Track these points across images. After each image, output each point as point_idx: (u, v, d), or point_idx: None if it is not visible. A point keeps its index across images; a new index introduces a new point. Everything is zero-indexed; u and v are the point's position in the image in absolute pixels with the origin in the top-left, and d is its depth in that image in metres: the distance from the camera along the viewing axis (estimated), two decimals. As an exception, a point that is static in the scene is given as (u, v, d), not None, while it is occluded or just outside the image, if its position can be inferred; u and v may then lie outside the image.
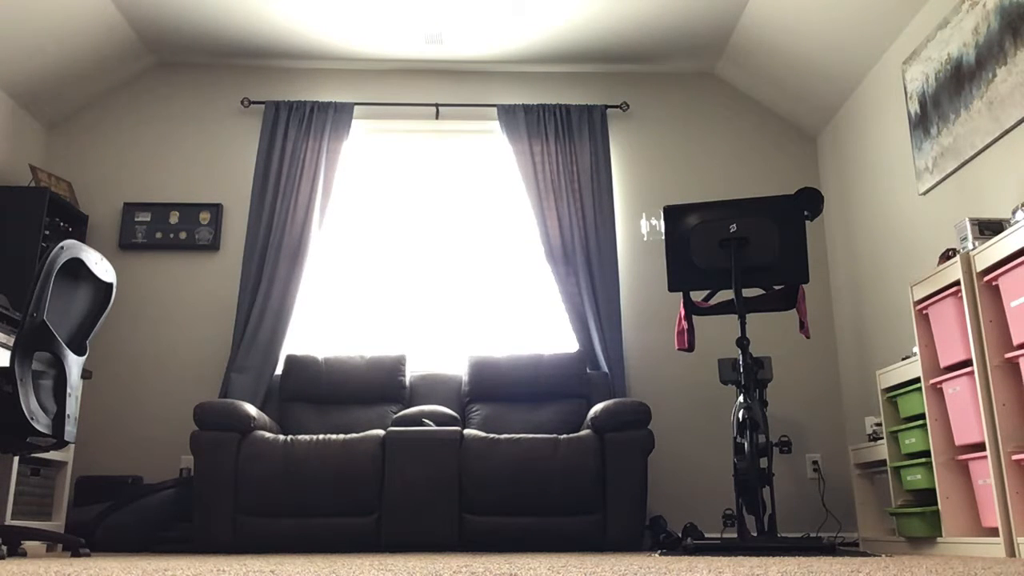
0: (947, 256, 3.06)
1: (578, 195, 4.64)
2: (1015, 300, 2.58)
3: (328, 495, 3.48)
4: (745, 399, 3.00)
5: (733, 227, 3.14)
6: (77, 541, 3.08)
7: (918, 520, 3.08)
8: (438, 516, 3.47)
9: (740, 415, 3.01)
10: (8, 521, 3.33)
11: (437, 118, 4.87)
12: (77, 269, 2.96)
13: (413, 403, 4.25)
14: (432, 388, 4.29)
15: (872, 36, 4.02)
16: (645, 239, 4.71)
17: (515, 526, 3.49)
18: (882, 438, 3.49)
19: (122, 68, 4.76)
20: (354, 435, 3.63)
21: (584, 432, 3.66)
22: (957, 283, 2.87)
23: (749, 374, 3.05)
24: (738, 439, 3.00)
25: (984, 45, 3.24)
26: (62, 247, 2.83)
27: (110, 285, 3.16)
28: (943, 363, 2.99)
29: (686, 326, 3.38)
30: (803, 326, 3.26)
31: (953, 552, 2.89)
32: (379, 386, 4.21)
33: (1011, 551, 2.60)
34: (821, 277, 4.73)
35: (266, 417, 3.88)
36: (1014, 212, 2.74)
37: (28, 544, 3.45)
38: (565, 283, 4.49)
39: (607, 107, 4.84)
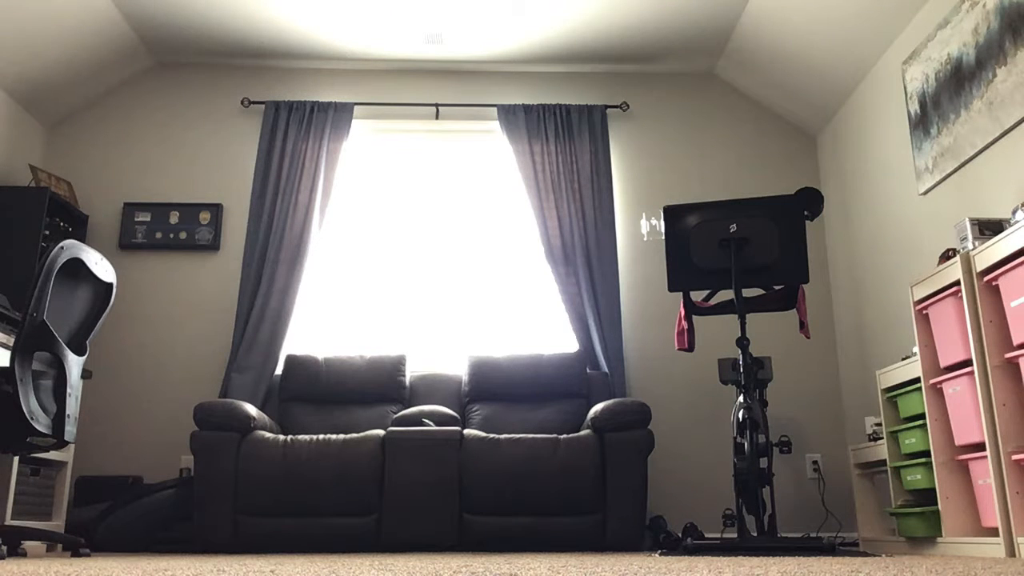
0: (947, 256, 3.06)
1: (578, 195, 4.64)
2: (1015, 300, 2.58)
3: (328, 495, 3.48)
4: (745, 399, 3.00)
5: (733, 227, 3.14)
6: (77, 541, 3.08)
7: (918, 520, 3.08)
8: (438, 516, 3.47)
9: (740, 415, 3.01)
10: (8, 521, 3.33)
11: (437, 118, 4.87)
12: (77, 269, 2.96)
13: (413, 403, 4.25)
14: (432, 388, 4.29)
15: (872, 36, 4.02)
16: (645, 239, 4.71)
17: (515, 526, 3.49)
18: (882, 438, 3.49)
19: (122, 68, 4.76)
20: (354, 435, 3.63)
21: (584, 432, 3.66)
22: (957, 283, 2.87)
23: (749, 374, 3.05)
24: (738, 439, 3.00)
25: (984, 45, 3.24)
26: (62, 247, 2.83)
27: (110, 285, 3.16)
28: (943, 363, 2.99)
29: (686, 326, 3.38)
30: (803, 326, 3.26)
31: (953, 552, 2.89)
32: (379, 386, 4.21)
33: (1011, 551, 2.60)
34: (821, 277, 4.73)
35: (266, 417, 3.88)
36: (1014, 212, 2.74)
37: (28, 544, 3.45)
38: (565, 283, 4.49)
39: (607, 107, 4.84)
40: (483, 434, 3.66)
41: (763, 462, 4.26)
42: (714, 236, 3.16)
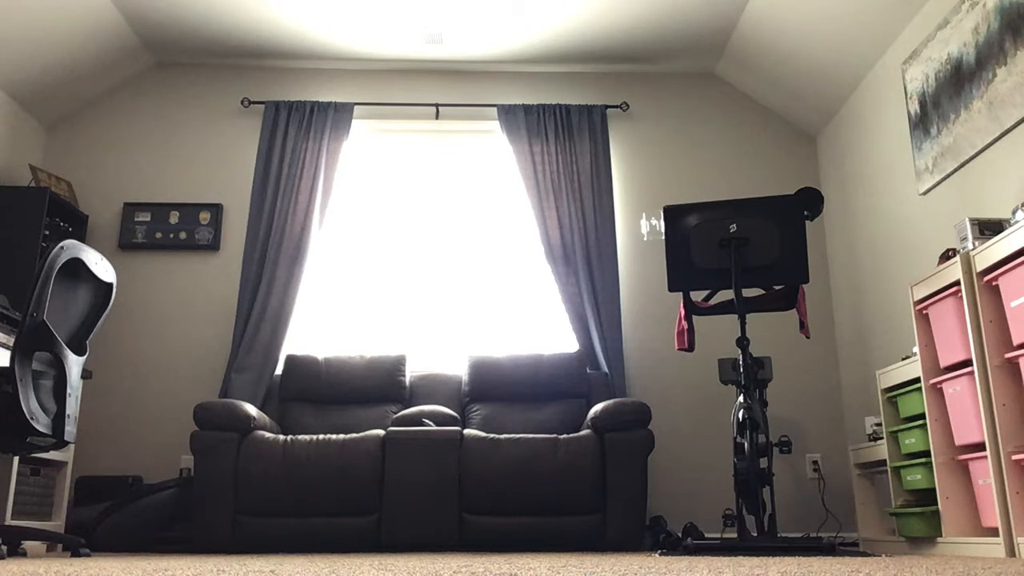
0: (947, 256, 3.06)
1: (578, 195, 4.64)
2: (1015, 300, 2.58)
3: (328, 495, 3.48)
4: (745, 399, 3.00)
5: (733, 227, 3.14)
6: (77, 541, 3.08)
7: (918, 520, 3.08)
8: (438, 516, 3.47)
9: (740, 415, 3.01)
10: (8, 521, 3.33)
11: (437, 118, 4.87)
12: (77, 269, 2.96)
13: (413, 403, 4.25)
14: (432, 388, 4.29)
15: (872, 36, 4.02)
16: (645, 239, 4.71)
17: (515, 526, 3.49)
18: (882, 438, 3.49)
19: (122, 68, 4.76)
20: (354, 435, 3.63)
21: (584, 432, 3.66)
22: (957, 283, 2.87)
23: (749, 374, 3.04)
24: (738, 439, 3.00)
25: (984, 45, 3.24)
26: (62, 247, 2.83)
27: (110, 285, 3.16)
28: (943, 363, 2.99)
29: (686, 326, 3.38)
30: (803, 326, 3.26)
31: (953, 552, 2.89)
32: (379, 386, 4.20)
33: (1011, 551, 2.60)
34: (821, 277, 4.73)
35: (266, 417, 3.88)
36: (1014, 212, 2.74)
37: (28, 544, 3.45)
38: (565, 283, 4.49)
39: (607, 107, 4.84)
40: (483, 434, 3.66)
41: (763, 462, 4.26)
42: (714, 236, 3.16)
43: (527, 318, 4.65)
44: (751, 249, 3.12)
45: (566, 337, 4.57)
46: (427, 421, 3.78)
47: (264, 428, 3.77)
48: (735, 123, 4.93)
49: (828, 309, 4.69)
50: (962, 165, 3.42)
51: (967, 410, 2.82)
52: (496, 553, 3.22)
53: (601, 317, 4.43)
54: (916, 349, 3.14)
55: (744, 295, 3.20)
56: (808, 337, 3.32)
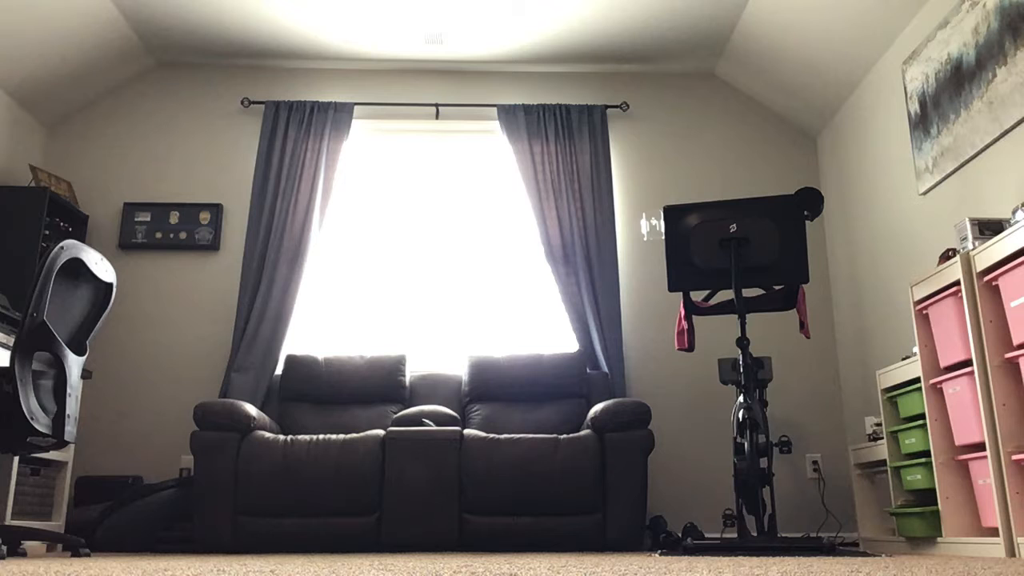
0: (947, 256, 3.06)
1: (578, 195, 4.64)
2: (1015, 300, 2.58)
3: (328, 495, 3.48)
4: (745, 399, 3.00)
5: (733, 227, 3.14)
6: (77, 541, 3.08)
7: (918, 520, 3.08)
8: (438, 516, 3.47)
9: (740, 415, 3.01)
10: (8, 521, 3.33)
11: (437, 118, 4.87)
12: (77, 269, 2.96)
13: (413, 403, 4.25)
14: (432, 388, 4.29)
15: (872, 36, 4.02)
16: (645, 239, 4.71)
17: (515, 526, 3.49)
18: (882, 438, 3.49)
19: (122, 68, 4.76)
20: (354, 435, 3.63)
21: (584, 432, 3.66)
22: (957, 283, 2.87)
23: (749, 374, 3.05)
24: (738, 439, 3.00)
25: (984, 45, 3.24)
26: (62, 247, 2.83)
27: (110, 285, 3.16)
28: (943, 363, 2.99)
29: (686, 326, 3.38)
30: (803, 326, 3.26)
31: (953, 552, 2.89)
32: (379, 386, 4.20)
33: (1011, 551, 2.60)
34: (821, 277, 4.73)
35: (266, 417, 3.88)
36: (1014, 212, 2.74)
37: (28, 544, 3.45)
38: (565, 283, 4.49)
39: (607, 107, 4.84)
40: (483, 434, 3.66)
41: (763, 462, 4.26)
42: (714, 236, 3.16)
43: (527, 318, 4.65)
44: (751, 249, 3.12)
45: (566, 337, 4.57)
46: (427, 421, 3.78)
47: (264, 428, 3.77)
48: (735, 123, 4.93)
49: (828, 309, 4.69)
50: (962, 165, 3.42)
51: (967, 410, 2.82)
52: (496, 553, 3.22)
53: (601, 317, 4.43)
54: (916, 349, 3.14)
55: (744, 295, 3.20)
56: (808, 337, 3.32)
